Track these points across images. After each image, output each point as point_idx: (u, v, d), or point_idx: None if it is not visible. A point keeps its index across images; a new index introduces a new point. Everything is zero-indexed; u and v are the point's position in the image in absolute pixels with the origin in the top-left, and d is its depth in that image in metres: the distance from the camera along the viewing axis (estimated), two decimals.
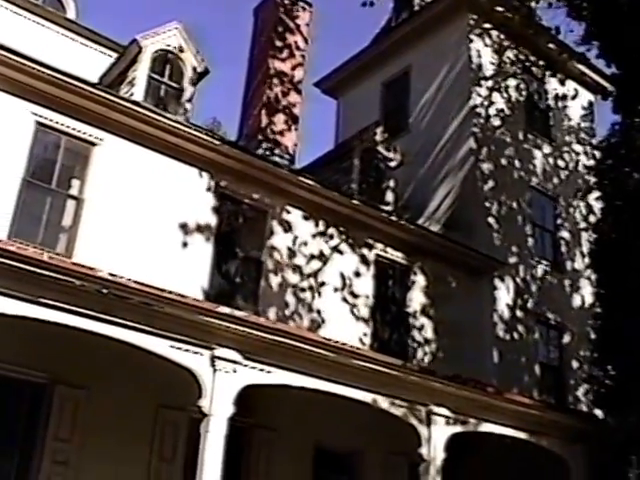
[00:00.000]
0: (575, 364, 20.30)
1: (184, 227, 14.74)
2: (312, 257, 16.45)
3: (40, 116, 13.65)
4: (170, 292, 10.16)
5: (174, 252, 14.45)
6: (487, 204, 20.04)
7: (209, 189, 15.30)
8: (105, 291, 9.65)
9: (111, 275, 9.81)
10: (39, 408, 12.44)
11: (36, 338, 11.09)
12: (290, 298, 15.89)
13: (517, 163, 21.36)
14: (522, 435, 14.04)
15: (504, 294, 19.45)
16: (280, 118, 18.23)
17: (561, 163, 22.79)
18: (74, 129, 13.98)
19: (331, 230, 16.86)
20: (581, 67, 23.16)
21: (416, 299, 18.01)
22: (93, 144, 14.20)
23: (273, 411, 13.65)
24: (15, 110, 13.40)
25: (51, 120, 13.75)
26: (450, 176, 20.62)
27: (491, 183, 20.31)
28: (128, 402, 12.54)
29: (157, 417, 13.09)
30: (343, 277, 16.80)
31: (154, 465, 13.04)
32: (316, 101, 33.92)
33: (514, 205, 20.69)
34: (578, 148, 23.48)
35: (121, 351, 10.41)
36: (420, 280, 18.14)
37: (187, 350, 10.28)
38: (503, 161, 20.97)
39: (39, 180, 13.70)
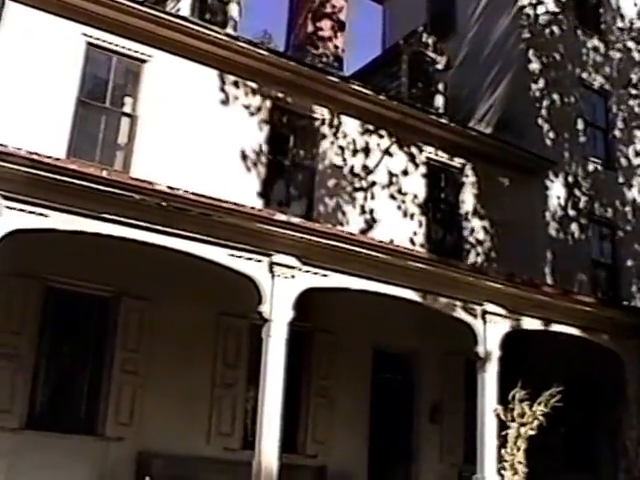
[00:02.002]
0: (629, 261, 20.28)
1: (237, 138, 14.91)
2: (363, 162, 16.56)
3: (90, 37, 13.82)
4: (228, 202, 10.33)
5: (229, 163, 14.66)
6: (537, 103, 19.76)
7: (260, 99, 15.39)
8: (164, 204, 9.84)
9: (169, 188, 10.00)
10: (107, 321, 12.94)
11: (101, 253, 11.44)
12: (343, 203, 16.10)
13: (567, 60, 20.91)
14: (576, 332, 14.05)
15: (556, 193, 19.36)
16: (326, 24, 18.13)
17: (613, 59, 22.26)
18: (124, 47, 14.13)
19: (382, 134, 16.90)
20: None
21: (468, 200, 18.08)
22: (143, 61, 14.35)
23: (332, 315, 13.95)
24: (66, 32, 13.58)
25: (101, 40, 13.92)
26: (499, 77, 20.36)
27: (541, 82, 20.00)
28: (191, 311, 12.96)
29: (219, 325, 13.53)
30: (395, 180, 16.89)
31: (219, 371, 13.52)
32: (361, 7, 33.62)
33: (565, 103, 20.40)
34: (630, 43, 22.90)
35: (182, 262, 10.68)
36: (471, 182, 18.15)
37: (246, 258, 10.47)
38: (553, 59, 20.54)
39: (93, 99, 13.94)
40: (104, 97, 14.11)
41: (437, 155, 17.74)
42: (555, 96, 20.16)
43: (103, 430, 12.45)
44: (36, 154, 9.23)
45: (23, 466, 11.42)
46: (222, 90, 14.98)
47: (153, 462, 12.36)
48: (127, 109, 14.29)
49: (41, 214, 9.29)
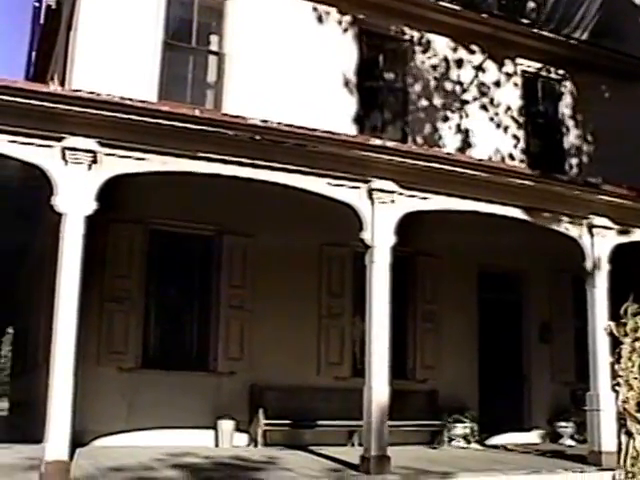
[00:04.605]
0: None
1: (326, 66, 14.73)
2: (456, 79, 16.21)
3: None
4: (322, 131, 10.17)
5: (320, 92, 14.48)
6: (638, 4, 18.89)
7: (347, 25, 15.16)
8: (258, 137, 9.78)
9: (262, 121, 9.90)
10: (211, 259, 13.19)
11: (200, 193, 11.53)
12: (438, 123, 15.82)
13: None
14: None
15: None
16: None
17: None
18: None
19: (473, 50, 16.45)
20: None
21: (567, 111, 17.56)
22: None
23: (435, 239, 13.81)
24: None
25: None
26: None
27: None
28: (293, 244, 12.94)
29: (322, 255, 13.64)
30: (490, 95, 16.51)
31: (324, 301, 13.67)
32: None
33: None
34: None
35: (281, 195, 10.61)
36: (570, 92, 17.60)
37: (345, 186, 10.34)
38: None
39: (179, 40, 13.96)
40: (190, 37, 14.12)
41: (533, 67, 17.23)
42: None
43: (215, 365, 12.76)
44: (129, 99, 9.26)
45: (142, 402, 11.90)
46: (306, 18, 14.77)
47: (266, 394, 12.68)
48: (214, 47, 14.27)
49: (138, 158, 9.33)
